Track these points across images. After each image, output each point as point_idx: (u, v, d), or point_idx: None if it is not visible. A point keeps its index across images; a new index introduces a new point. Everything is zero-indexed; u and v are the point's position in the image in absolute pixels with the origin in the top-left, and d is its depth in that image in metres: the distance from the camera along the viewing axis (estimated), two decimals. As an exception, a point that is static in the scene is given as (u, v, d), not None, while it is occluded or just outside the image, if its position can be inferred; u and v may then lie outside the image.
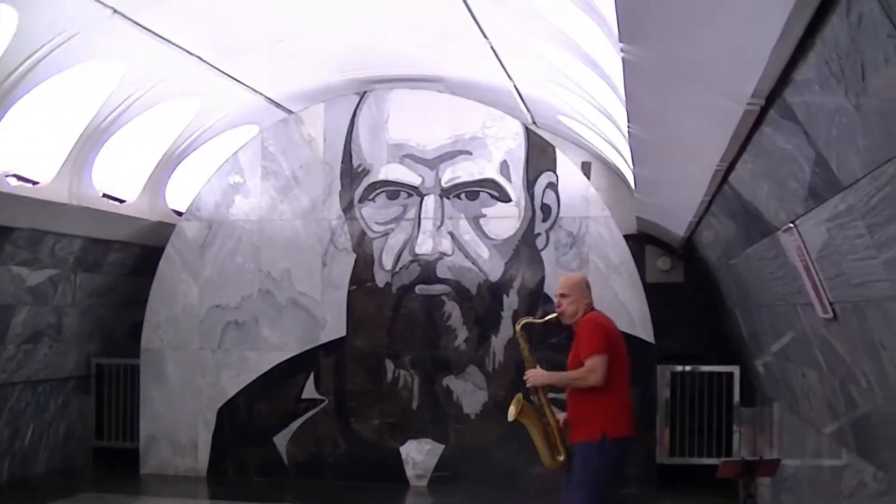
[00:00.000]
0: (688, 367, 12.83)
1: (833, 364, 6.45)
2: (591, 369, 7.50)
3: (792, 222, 5.69)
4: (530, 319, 9.04)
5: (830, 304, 5.67)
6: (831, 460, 7.62)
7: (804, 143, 4.56)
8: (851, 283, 4.97)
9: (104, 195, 12.09)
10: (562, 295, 7.88)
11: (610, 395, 7.58)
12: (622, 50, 4.98)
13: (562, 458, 7.96)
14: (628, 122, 7.00)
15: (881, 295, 4.52)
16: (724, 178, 6.96)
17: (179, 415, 13.32)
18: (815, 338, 6.69)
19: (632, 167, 9.55)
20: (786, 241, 6.15)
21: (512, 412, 7.96)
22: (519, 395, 8.04)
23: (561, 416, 8.00)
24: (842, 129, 3.94)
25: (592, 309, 7.89)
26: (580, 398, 7.71)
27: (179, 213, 13.73)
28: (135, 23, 9.61)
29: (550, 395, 8.05)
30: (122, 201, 12.54)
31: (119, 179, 12.44)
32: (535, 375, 7.90)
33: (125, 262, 13.52)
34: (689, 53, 4.86)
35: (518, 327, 8.31)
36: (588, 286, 7.98)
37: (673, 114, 6.41)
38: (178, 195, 13.84)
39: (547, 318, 8.25)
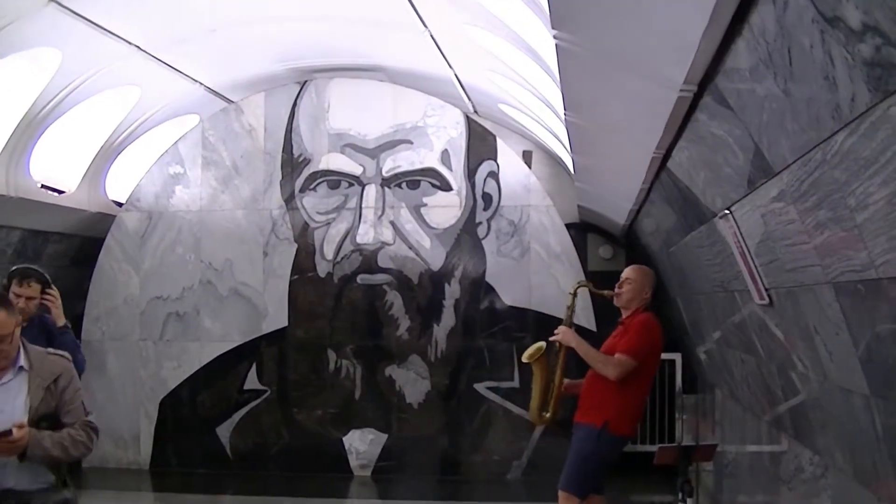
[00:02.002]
0: (630, 355, 12.84)
1: (770, 350, 6.50)
2: (616, 364, 7.60)
3: (728, 209, 5.71)
4: (588, 284, 8.92)
5: (766, 290, 5.71)
6: (771, 445, 7.69)
7: (737, 129, 4.58)
8: (785, 269, 5.00)
9: (42, 186, 11.94)
10: (626, 279, 7.98)
11: (626, 392, 7.69)
12: (555, 36, 4.97)
13: (548, 415, 8.13)
14: (565, 109, 7.00)
15: (813, 280, 4.55)
16: (662, 165, 6.98)
17: (121, 407, 13.19)
18: (753, 324, 6.74)
19: (570, 155, 9.56)
20: (722, 228, 6.17)
21: (528, 354, 8.12)
22: (543, 344, 8.14)
23: (567, 381, 8.11)
24: (772, 115, 3.96)
25: (648, 309, 7.97)
26: (597, 383, 7.79)
27: (120, 204, 13.57)
28: (71, 11, 9.48)
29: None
30: (61, 192, 12.38)
31: (58, 170, 12.29)
32: (566, 333, 7.92)
33: (65, 253, 13.34)
34: (621, 40, 4.86)
35: (575, 286, 8.39)
36: (652, 283, 8.05)
37: (608, 100, 6.41)
38: (119, 186, 13.67)
39: (604, 292, 8.27)
